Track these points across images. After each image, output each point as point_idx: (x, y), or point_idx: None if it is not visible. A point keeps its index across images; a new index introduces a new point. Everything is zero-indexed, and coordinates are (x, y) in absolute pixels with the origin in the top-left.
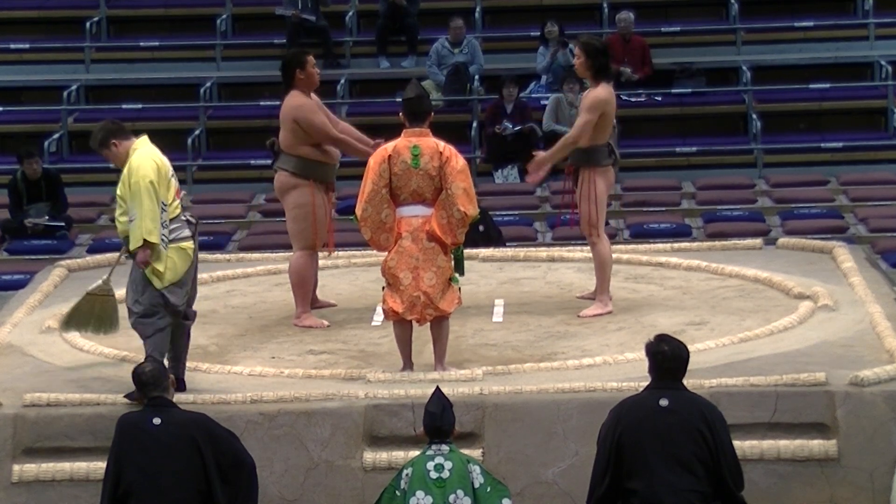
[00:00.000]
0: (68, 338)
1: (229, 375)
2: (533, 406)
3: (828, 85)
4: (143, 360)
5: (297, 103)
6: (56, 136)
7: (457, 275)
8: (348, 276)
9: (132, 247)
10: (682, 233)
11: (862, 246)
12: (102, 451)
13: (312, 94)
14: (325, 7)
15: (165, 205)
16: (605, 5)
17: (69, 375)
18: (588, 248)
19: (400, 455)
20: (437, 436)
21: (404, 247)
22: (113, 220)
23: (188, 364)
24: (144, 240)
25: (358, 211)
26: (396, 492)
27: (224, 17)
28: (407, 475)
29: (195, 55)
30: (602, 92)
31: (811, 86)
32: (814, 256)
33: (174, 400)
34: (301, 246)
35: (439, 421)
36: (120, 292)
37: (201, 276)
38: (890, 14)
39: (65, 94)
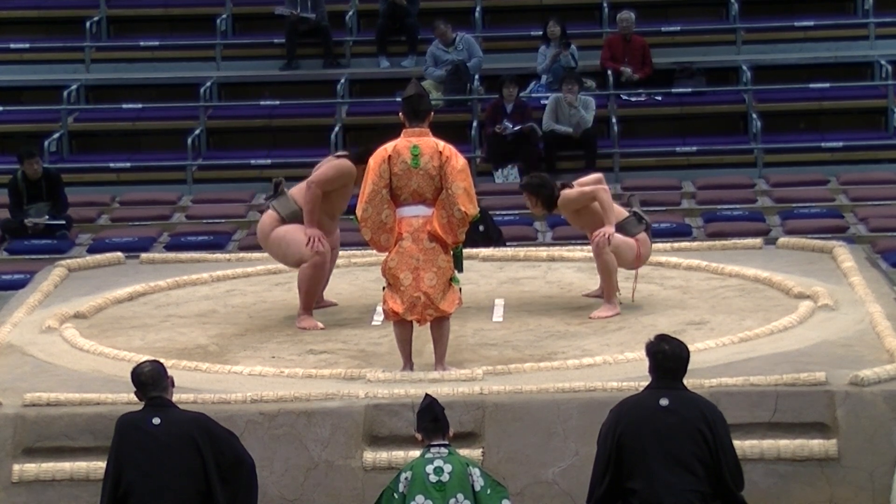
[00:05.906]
0: (68, 337)
1: (229, 375)
2: (533, 406)
3: (828, 85)
4: (142, 360)
5: (346, 169)
6: (56, 136)
7: (457, 274)
8: (348, 276)
9: None
10: (682, 232)
11: (862, 246)
12: (102, 451)
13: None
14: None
15: None
16: (605, 5)
17: (69, 375)
18: (588, 247)
19: (400, 455)
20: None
21: (405, 247)
22: (113, 220)
23: (188, 364)
24: None
25: (358, 212)
26: (395, 494)
27: (224, 16)
28: (406, 479)
29: (195, 55)
30: (570, 201)
31: (811, 86)
32: (814, 256)
33: (174, 399)
34: (311, 253)
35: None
36: None
37: (202, 276)
38: (890, 14)
39: (65, 93)
